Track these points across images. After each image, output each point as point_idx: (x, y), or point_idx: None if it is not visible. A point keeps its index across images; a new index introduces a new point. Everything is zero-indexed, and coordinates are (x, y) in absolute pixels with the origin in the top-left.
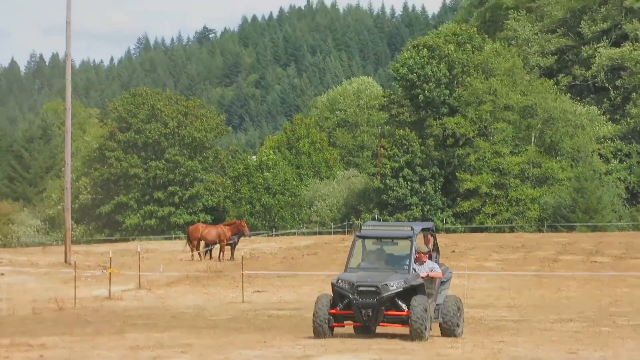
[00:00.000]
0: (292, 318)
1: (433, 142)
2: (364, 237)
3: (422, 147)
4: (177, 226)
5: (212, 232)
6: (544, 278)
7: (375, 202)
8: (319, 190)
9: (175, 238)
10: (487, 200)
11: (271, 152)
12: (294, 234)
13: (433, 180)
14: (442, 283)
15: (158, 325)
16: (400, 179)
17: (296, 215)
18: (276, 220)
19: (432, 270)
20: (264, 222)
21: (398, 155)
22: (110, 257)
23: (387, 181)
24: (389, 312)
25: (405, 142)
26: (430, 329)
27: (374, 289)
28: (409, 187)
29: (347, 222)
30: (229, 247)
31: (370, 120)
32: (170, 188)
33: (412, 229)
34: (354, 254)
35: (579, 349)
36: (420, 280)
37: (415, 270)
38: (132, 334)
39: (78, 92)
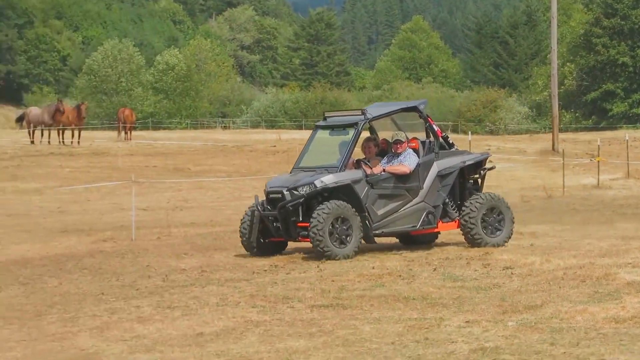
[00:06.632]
0: None
1: None
2: (319, 127)
3: None
4: None
5: None
6: None
7: None
8: None
9: None
10: None
11: None
12: None
13: None
14: (443, 177)
15: None
16: None
17: None
18: None
19: (399, 163)
20: None
21: None
22: (598, 145)
23: None
24: (302, 225)
25: None
26: (359, 243)
27: (278, 195)
28: None
29: None
30: None
31: None
32: None
33: (363, 113)
34: (309, 149)
35: None
36: (345, 181)
37: (367, 165)
38: (622, 224)
39: None
